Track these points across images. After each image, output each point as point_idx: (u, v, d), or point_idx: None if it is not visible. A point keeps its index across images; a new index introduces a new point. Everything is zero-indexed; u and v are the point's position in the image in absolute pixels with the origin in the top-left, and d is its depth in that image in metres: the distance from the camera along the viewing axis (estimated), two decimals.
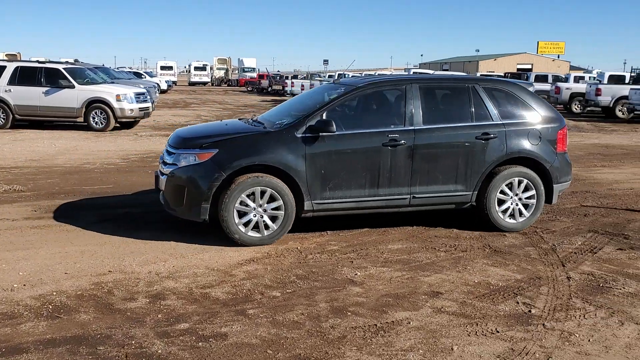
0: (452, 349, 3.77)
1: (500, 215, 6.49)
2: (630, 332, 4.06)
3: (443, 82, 6.90)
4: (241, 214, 5.78)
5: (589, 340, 3.91)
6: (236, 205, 5.72)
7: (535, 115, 6.62)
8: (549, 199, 6.66)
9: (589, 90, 25.32)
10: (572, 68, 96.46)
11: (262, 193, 5.78)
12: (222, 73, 76.16)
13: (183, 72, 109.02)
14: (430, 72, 27.14)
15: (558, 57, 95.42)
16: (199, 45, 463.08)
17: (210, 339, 3.84)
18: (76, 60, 35.46)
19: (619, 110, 24.10)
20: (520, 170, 6.47)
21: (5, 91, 15.74)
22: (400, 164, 6.13)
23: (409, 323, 4.14)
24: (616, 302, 4.59)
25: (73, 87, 15.80)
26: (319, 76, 45.55)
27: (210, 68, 72.86)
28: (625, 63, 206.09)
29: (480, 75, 38.39)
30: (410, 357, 3.65)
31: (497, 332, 4.02)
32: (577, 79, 29.97)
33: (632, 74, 27.21)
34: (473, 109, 6.46)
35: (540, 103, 6.80)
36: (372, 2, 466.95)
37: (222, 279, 4.96)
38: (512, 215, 6.54)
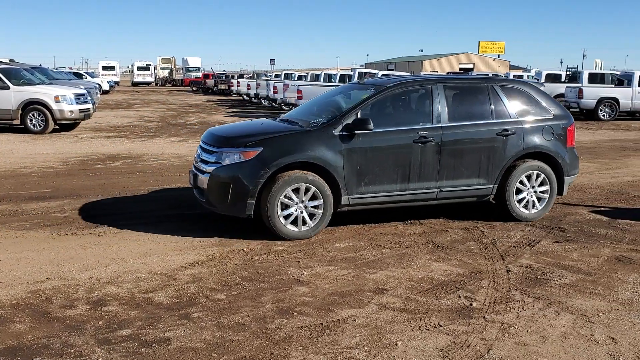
0: (396, 344, 3.82)
1: (518, 206, 6.92)
2: (565, 322, 4.22)
3: (464, 82, 7.39)
4: (284, 209, 6.00)
5: (527, 331, 4.04)
6: (279, 200, 5.94)
7: (547, 113, 7.10)
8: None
9: None
10: (512, 67, 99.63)
11: (304, 189, 6.02)
12: (166, 73, 74.86)
13: (126, 72, 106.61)
14: (376, 71, 27.44)
15: (498, 56, 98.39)
16: (142, 44, 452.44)
17: (153, 345, 3.76)
18: (12, 60, 33.95)
19: None
20: (537, 164, 6.93)
21: None
22: (429, 160, 6.47)
23: (355, 320, 4.17)
24: (553, 293, 4.76)
25: (8, 88, 15.22)
26: (266, 75, 45.40)
27: (154, 68, 71.54)
28: (561, 62, 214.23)
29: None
30: (356, 354, 3.68)
31: (440, 326, 4.10)
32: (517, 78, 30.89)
33: (568, 73, 28.27)
34: (493, 107, 6.86)
35: (551, 101, 7.28)
36: (317, 1, 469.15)
37: (165, 283, 4.87)
38: (527, 206, 6.96)
